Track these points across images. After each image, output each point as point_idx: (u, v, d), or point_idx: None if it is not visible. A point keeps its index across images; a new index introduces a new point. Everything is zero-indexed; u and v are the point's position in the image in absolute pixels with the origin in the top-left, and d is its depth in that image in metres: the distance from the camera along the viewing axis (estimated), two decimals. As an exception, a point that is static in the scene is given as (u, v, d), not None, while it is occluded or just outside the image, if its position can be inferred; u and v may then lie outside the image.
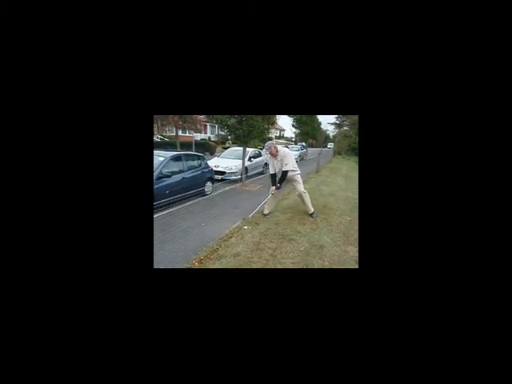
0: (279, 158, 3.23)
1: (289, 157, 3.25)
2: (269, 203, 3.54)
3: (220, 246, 2.62)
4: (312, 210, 3.44)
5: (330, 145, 25.30)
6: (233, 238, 2.79)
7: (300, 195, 3.45)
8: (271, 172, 3.40)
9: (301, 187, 3.44)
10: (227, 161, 6.89)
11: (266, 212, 3.50)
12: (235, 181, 6.36)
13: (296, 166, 3.40)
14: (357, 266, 2.22)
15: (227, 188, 5.77)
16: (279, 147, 3.35)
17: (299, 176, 3.46)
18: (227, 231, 3.15)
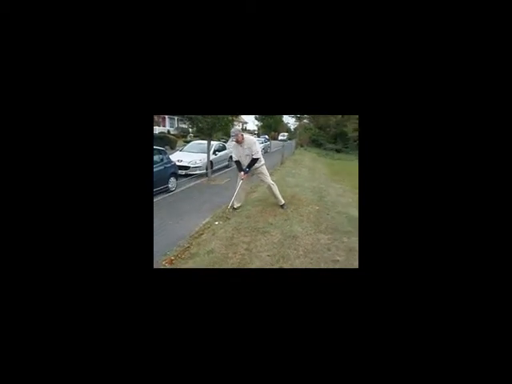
0: (245, 146, 3.23)
1: (256, 145, 3.30)
2: (238, 197, 3.47)
3: (191, 244, 2.50)
4: (282, 201, 3.47)
5: (282, 135, 23.30)
6: (204, 235, 2.68)
7: (269, 187, 3.45)
8: (235, 159, 3.38)
9: (268, 179, 3.46)
10: (191, 155, 6.61)
11: (236, 206, 3.43)
12: (200, 175, 6.15)
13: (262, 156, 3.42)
14: (328, 254, 2.30)
15: (192, 183, 5.55)
16: (245, 135, 3.34)
17: (265, 167, 3.47)
18: (197, 228, 3.02)
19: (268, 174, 3.50)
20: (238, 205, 3.46)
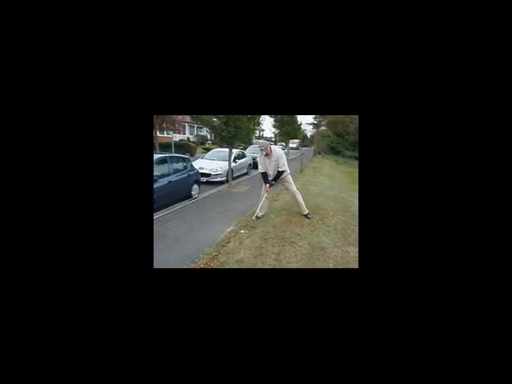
0: (273, 159, 3.23)
1: (284, 157, 3.30)
2: (262, 205, 3.48)
3: (219, 252, 2.51)
4: (306, 210, 3.44)
5: (292, 142, 19.54)
6: (231, 243, 2.69)
7: (293, 196, 3.45)
8: (262, 171, 3.38)
9: (293, 187, 3.47)
10: (211, 162, 6.74)
11: (259, 215, 3.43)
12: (221, 183, 6.23)
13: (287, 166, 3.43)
14: (360, 267, 2.23)
15: (213, 190, 5.62)
16: (273, 147, 3.34)
17: (290, 176, 3.48)
18: (222, 236, 3.04)
19: (293, 183, 3.50)
20: (262, 214, 3.46)
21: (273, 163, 3.24)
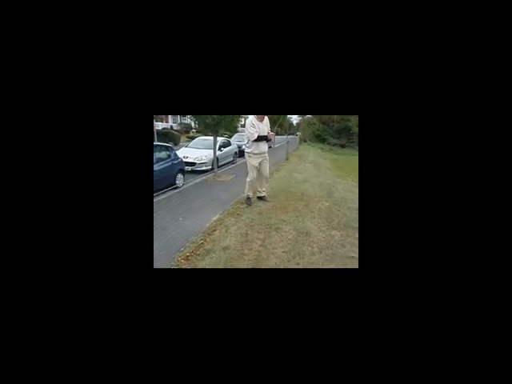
0: (265, 123, 3.44)
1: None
2: (249, 185, 3.50)
3: (205, 240, 2.51)
4: (264, 193, 3.63)
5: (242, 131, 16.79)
6: (217, 231, 2.69)
7: (262, 171, 3.52)
8: (256, 135, 3.39)
9: (267, 166, 3.62)
10: (196, 151, 6.61)
11: (249, 194, 3.49)
12: (206, 171, 6.15)
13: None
14: (343, 250, 2.30)
15: (198, 180, 5.54)
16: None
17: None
18: (208, 224, 3.03)
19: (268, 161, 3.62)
20: (251, 193, 3.53)
21: (265, 127, 3.44)
